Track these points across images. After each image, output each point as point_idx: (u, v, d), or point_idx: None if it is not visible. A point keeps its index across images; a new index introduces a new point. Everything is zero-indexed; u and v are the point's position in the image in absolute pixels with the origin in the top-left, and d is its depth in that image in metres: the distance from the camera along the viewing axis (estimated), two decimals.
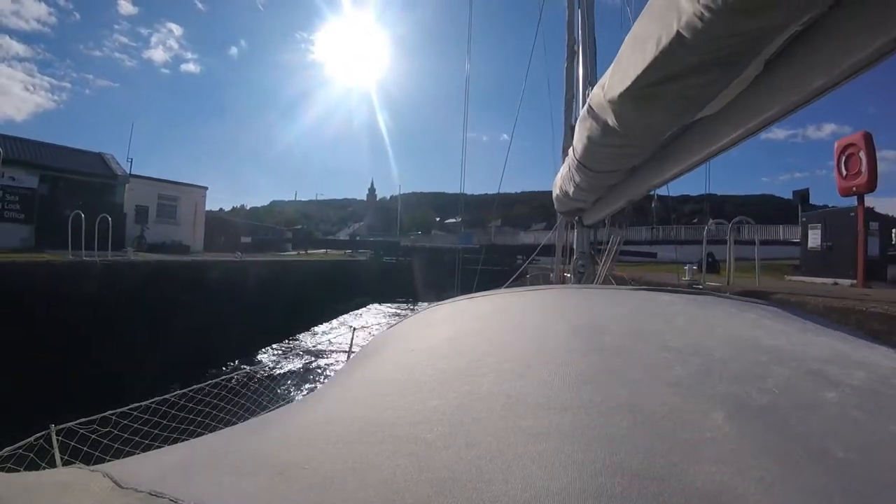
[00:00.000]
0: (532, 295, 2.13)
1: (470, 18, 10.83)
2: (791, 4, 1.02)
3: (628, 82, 1.46)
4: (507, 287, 4.24)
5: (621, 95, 1.55)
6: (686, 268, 12.54)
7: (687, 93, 1.36)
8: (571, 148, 2.83)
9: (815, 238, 12.41)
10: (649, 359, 1.05)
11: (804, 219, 13.53)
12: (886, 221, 11.68)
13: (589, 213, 4.28)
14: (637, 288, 2.13)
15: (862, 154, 10.09)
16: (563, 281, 5.91)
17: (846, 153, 10.64)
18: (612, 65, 1.67)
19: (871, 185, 10.13)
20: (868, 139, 10.17)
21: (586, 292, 2.13)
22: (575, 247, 4.83)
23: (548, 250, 8.02)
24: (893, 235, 11.66)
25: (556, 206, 4.78)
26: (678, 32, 1.16)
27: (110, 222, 13.50)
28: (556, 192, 4.33)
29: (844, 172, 10.69)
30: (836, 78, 1.22)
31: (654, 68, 1.32)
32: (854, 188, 10.55)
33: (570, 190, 3.38)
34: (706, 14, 1.06)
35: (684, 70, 1.27)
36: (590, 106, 1.99)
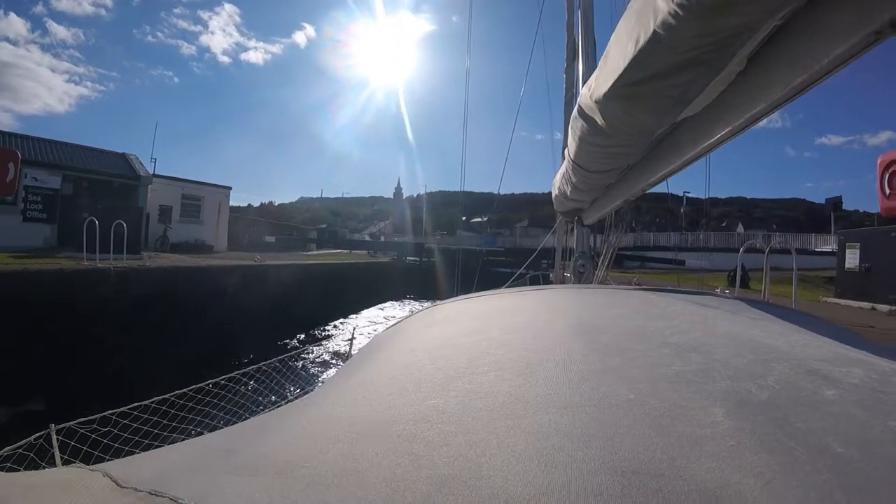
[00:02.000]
0: (532, 295, 2.14)
1: (470, 19, 10.99)
2: (764, 2, 1.03)
3: (611, 82, 1.47)
4: (507, 287, 4.24)
5: (605, 95, 1.56)
6: (718, 290, 12.15)
7: (669, 91, 1.36)
8: (567, 148, 2.85)
9: (852, 258, 11.64)
10: (649, 357, 1.05)
11: (842, 237, 12.82)
12: None
13: (587, 213, 4.29)
14: (637, 288, 2.15)
15: None
16: (563, 281, 5.91)
17: (890, 170, 9.79)
18: (598, 65, 1.69)
19: None
20: None
21: (586, 292, 2.14)
22: (575, 247, 4.81)
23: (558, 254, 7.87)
24: None
25: (555, 207, 4.79)
26: (655, 32, 1.17)
27: (125, 228, 13.49)
28: (554, 192, 4.35)
29: (888, 191, 9.80)
30: (819, 73, 1.21)
31: (633, 68, 1.33)
32: None
33: (568, 190, 3.40)
34: (680, 13, 1.07)
35: (664, 69, 1.27)
36: (580, 106, 2.00)
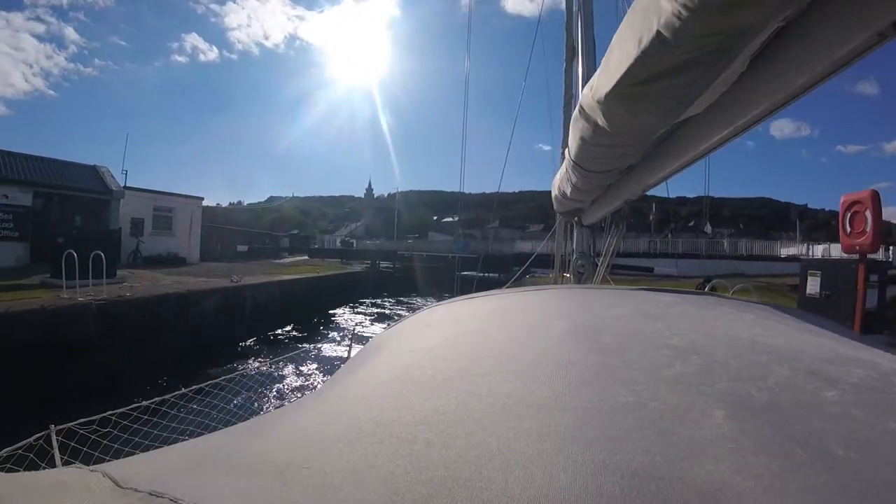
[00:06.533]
0: (532, 295, 2.12)
1: (470, 19, 11.06)
2: (768, 2, 1.03)
3: (613, 82, 1.47)
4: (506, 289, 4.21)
5: (607, 95, 1.56)
6: None
7: (671, 92, 1.36)
8: (567, 148, 2.81)
9: (813, 285, 12.46)
10: (649, 358, 1.04)
11: (804, 264, 13.59)
12: (885, 273, 11.78)
13: (587, 213, 4.27)
14: (637, 288, 2.13)
15: (868, 213, 9.80)
16: (562, 281, 5.86)
17: (852, 210, 10.50)
18: (601, 65, 1.68)
19: (875, 246, 9.96)
20: (875, 198, 9.98)
21: (586, 292, 2.13)
22: (574, 246, 4.80)
23: (545, 261, 7.88)
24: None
25: (554, 207, 4.76)
26: (658, 32, 1.17)
27: (104, 258, 12.94)
28: (554, 192, 4.31)
29: (849, 230, 10.60)
30: (821, 74, 1.24)
31: (636, 68, 1.33)
32: (857, 247, 10.51)
33: (568, 190, 3.38)
34: (684, 13, 1.07)
35: (667, 69, 1.27)
36: (581, 106, 2.00)
